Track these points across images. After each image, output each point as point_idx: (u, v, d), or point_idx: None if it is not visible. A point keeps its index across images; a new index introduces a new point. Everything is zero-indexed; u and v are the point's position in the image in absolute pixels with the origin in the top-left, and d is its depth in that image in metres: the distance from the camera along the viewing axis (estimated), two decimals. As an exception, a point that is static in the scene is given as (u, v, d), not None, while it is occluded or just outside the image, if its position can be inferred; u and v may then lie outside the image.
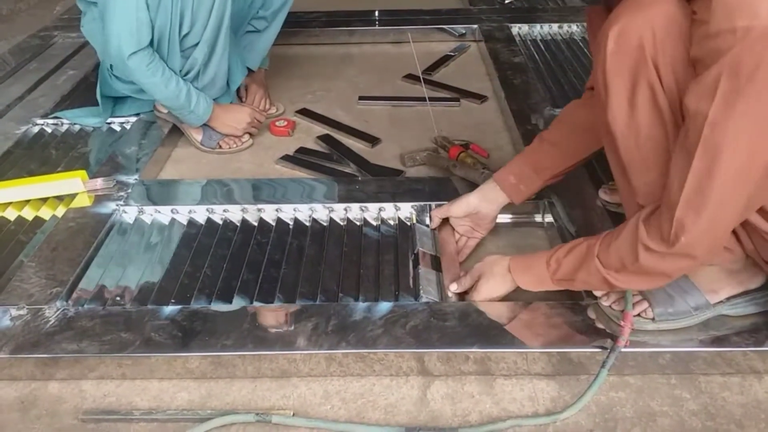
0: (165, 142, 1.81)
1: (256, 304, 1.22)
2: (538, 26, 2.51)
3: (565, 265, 1.09)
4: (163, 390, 1.12)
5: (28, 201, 1.55)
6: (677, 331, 1.11)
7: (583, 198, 1.45)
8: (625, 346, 1.06)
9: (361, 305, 1.19)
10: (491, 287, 1.20)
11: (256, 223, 1.47)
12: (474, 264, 1.26)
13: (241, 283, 1.29)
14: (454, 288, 1.25)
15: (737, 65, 0.81)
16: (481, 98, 2.08)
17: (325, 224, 1.46)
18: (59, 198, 1.55)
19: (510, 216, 1.49)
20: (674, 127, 0.97)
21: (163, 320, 1.16)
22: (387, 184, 1.57)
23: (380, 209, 1.48)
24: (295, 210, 1.48)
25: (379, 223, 1.46)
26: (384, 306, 1.19)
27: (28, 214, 1.52)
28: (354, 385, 1.12)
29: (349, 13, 2.66)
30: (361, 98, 2.11)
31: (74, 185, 1.54)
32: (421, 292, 1.23)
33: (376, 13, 2.64)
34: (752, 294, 1.13)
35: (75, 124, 1.90)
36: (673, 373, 1.11)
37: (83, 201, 1.51)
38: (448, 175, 1.61)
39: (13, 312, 1.18)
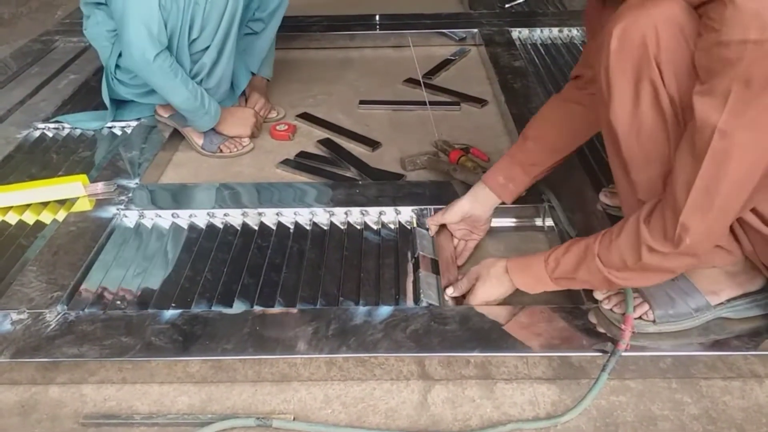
0: (166, 146, 1.81)
1: (257, 308, 1.22)
2: (538, 30, 2.51)
3: (563, 264, 1.10)
4: (164, 394, 1.12)
5: (29, 205, 1.55)
6: (678, 335, 1.11)
7: (584, 201, 1.45)
8: (626, 350, 1.06)
9: (362, 309, 1.19)
10: (488, 290, 1.20)
11: (256, 227, 1.47)
12: (472, 267, 1.26)
13: (241, 287, 1.29)
14: (450, 292, 1.25)
15: (748, 77, 0.83)
16: (481, 102, 2.09)
17: (325, 228, 1.46)
18: (60, 202, 1.55)
19: (510, 220, 1.49)
20: (675, 124, 0.98)
21: (164, 324, 1.16)
22: (387, 188, 1.57)
23: (381, 213, 1.48)
24: (295, 214, 1.48)
25: (380, 227, 1.46)
26: (384, 310, 1.19)
27: (29, 218, 1.52)
28: (354, 390, 1.12)
29: (350, 18, 2.66)
30: (361, 102, 2.11)
31: (75, 189, 1.54)
32: (422, 296, 1.23)
33: (377, 18, 2.65)
34: (752, 296, 1.13)
35: (76, 128, 1.91)
36: (674, 377, 1.11)
37: (84, 205, 1.51)
38: (448, 179, 1.61)
39: (14, 316, 1.18)
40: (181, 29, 1.63)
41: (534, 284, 1.16)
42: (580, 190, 1.49)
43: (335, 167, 1.76)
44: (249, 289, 1.29)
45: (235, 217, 1.49)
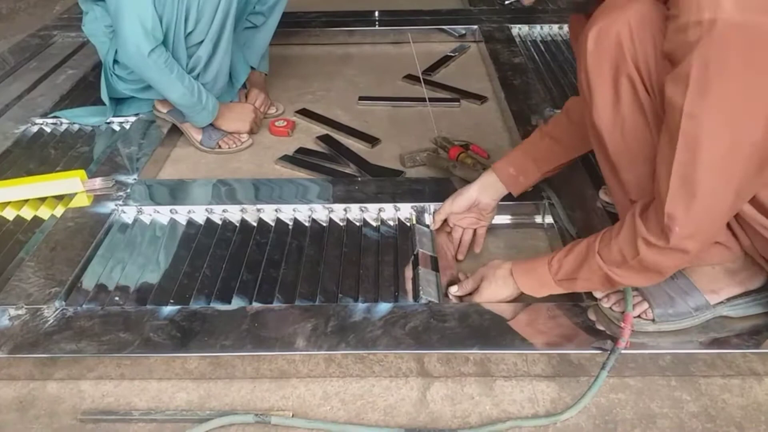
0: (164, 142, 1.80)
1: (255, 304, 1.22)
2: (538, 27, 2.51)
3: (566, 265, 1.10)
4: (162, 390, 1.12)
5: (26, 200, 1.55)
6: (677, 333, 1.11)
7: (584, 199, 1.45)
8: (625, 348, 1.06)
9: (361, 306, 1.19)
10: (493, 291, 1.20)
11: (255, 224, 1.47)
12: (477, 267, 1.26)
13: (240, 284, 1.28)
14: (454, 290, 1.25)
15: (706, 57, 0.83)
16: (481, 99, 2.08)
17: (324, 225, 1.46)
18: (58, 197, 1.55)
19: (510, 217, 1.49)
20: (656, 119, 0.99)
21: (162, 320, 1.16)
22: (387, 184, 1.56)
23: (380, 210, 1.47)
24: (294, 210, 1.47)
25: (379, 223, 1.46)
26: (383, 307, 1.18)
27: (27, 213, 1.52)
28: (353, 386, 1.11)
29: (349, 14, 2.66)
30: (361, 98, 2.11)
31: (73, 185, 1.53)
32: (421, 293, 1.23)
33: (376, 14, 2.64)
34: (753, 295, 1.13)
35: (74, 123, 1.90)
36: (673, 375, 1.11)
37: (82, 201, 1.51)
38: (448, 176, 1.61)
39: (12, 312, 1.18)
40: (177, 22, 1.62)
41: (538, 287, 1.16)
42: (580, 188, 1.49)
43: (334, 163, 1.75)
44: (248, 285, 1.28)
45: (233, 213, 1.48)
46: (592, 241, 1.06)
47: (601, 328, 1.12)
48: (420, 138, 1.83)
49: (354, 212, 1.48)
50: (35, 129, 1.90)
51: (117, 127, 1.89)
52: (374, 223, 1.46)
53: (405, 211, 1.48)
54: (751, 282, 1.12)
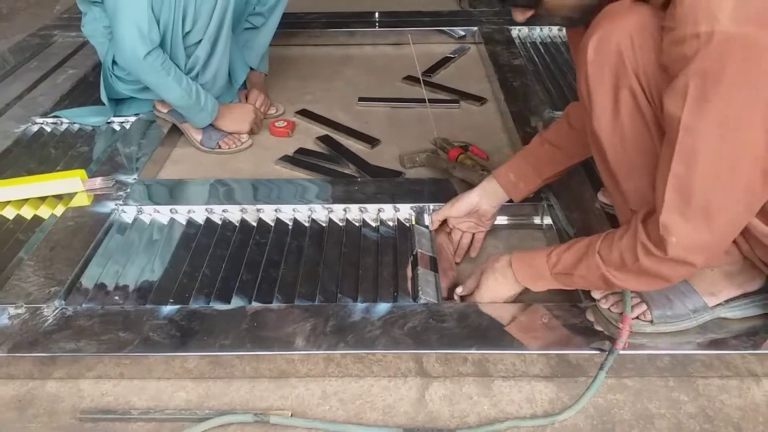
0: (164, 142, 1.81)
1: (255, 304, 1.22)
2: (537, 29, 2.51)
3: (564, 259, 1.09)
4: (161, 390, 1.12)
5: (26, 200, 1.55)
6: (675, 334, 1.11)
7: (582, 200, 1.45)
8: (624, 349, 1.06)
9: (360, 306, 1.19)
10: (491, 284, 1.20)
11: (255, 224, 1.47)
12: (475, 270, 1.26)
13: (239, 283, 1.28)
14: (459, 291, 1.25)
15: (703, 70, 0.83)
16: (480, 100, 2.09)
17: (324, 225, 1.46)
18: (58, 197, 1.55)
19: (509, 218, 1.49)
20: (658, 129, 0.98)
21: (162, 320, 1.16)
22: (386, 185, 1.57)
23: (379, 210, 1.48)
24: (294, 210, 1.48)
25: (378, 224, 1.46)
26: (382, 307, 1.19)
27: (27, 212, 1.52)
28: (352, 386, 1.12)
29: (350, 15, 2.66)
30: (360, 99, 2.11)
31: (73, 184, 1.54)
32: (420, 293, 1.23)
33: (376, 15, 2.65)
34: (751, 297, 1.13)
35: (74, 123, 1.90)
36: (671, 376, 1.12)
37: (82, 200, 1.51)
38: (447, 177, 1.61)
39: (11, 311, 1.18)
40: (174, 22, 1.62)
41: (535, 278, 1.15)
42: (579, 189, 1.49)
43: (334, 164, 1.75)
44: (247, 285, 1.28)
45: (233, 213, 1.49)
46: (594, 240, 1.06)
47: (599, 328, 1.13)
48: (419, 139, 1.83)
49: (353, 213, 1.48)
50: (35, 128, 1.90)
51: (117, 127, 1.89)
52: (373, 224, 1.47)
53: (404, 211, 1.48)
54: (749, 284, 1.12)
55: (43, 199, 1.55)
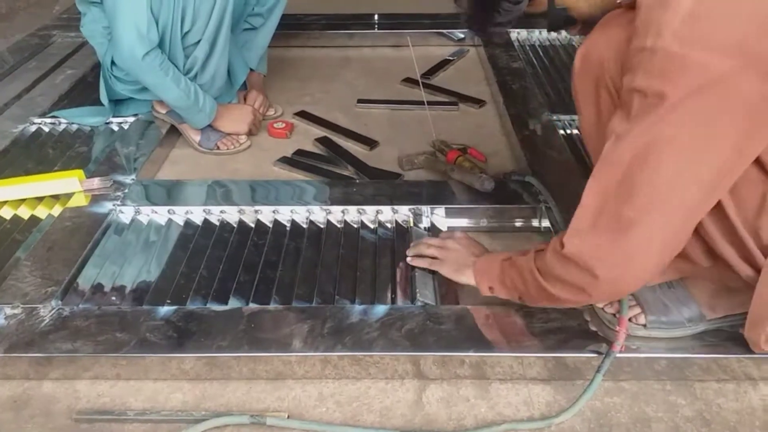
0: (163, 142, 1.80)
1: (252, 305, 1.22)
2: (536, 31, 2.51)
3: (517, 257, 1.08)
4: (158, 391, 1.11)
5: (24, 199, 1.55)
6: (672, 338, 1.11)
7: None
8: (621, 352, 1.06)
9: (358, 308, 1.19)
10: (450, 272, 1.22)
11: (253, 225, 1.47)
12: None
13: (237, 285, 1.28)
14: (410, 252, 1.29)
15: (643, 86, 0.84)
16: (479, 103, 2.09)
17: (322, 226, 1.46)
18: (56, 197, 1.55)
19: (506, 221, 1.49)
20: None
21: (159, 321, 1.15)
22: (385, 187, 1.56)
23: (377, 212, 1.48)
24: (292, 212, 1.48)
25: (377, 226, 1.46)
26: (380, 309, 1.18)
27: (24, 212, 1.52)
28: (349, 388, 1.12)
29: (349, 17, 2.66)
30: (359, 101, 2.11)
31: (71, 185, 1.53)
32: (418, 295, 1.23)
33: (376, 17, 2.65)
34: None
35: (72, 123, 1.90)
36: (668, 379, 1.11)
37: (80, 200, 1.51)
38: (445, 179, 1.61)
39: (8, 311, 1.18)
40: (173, 23, 1.63)
41: (486, 270, 1.13)
42: (576, 192, 1.47)
43: (333, 166, 1.75)
44: (244, 286, 1.28)
45: (231, 214, 1.48)
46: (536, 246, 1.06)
47: (596, 331, 1.13)
48: (418, 141, 1.83)
49: (352, 214, 1.48)
50: (34, 128, 1.90)
51: (116, 128, 1.89)
52: (372, 225, 1.46)
53: (403, 213, 1.48)
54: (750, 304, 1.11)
55: (40, 199, 1.55)
